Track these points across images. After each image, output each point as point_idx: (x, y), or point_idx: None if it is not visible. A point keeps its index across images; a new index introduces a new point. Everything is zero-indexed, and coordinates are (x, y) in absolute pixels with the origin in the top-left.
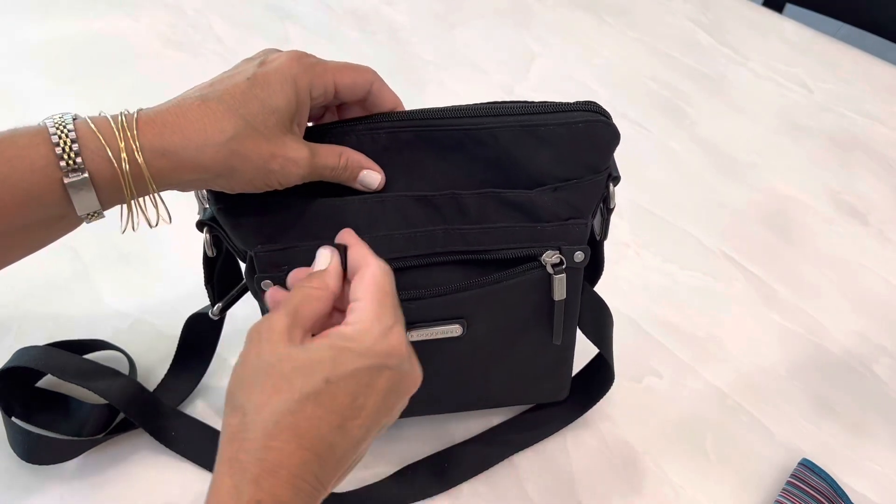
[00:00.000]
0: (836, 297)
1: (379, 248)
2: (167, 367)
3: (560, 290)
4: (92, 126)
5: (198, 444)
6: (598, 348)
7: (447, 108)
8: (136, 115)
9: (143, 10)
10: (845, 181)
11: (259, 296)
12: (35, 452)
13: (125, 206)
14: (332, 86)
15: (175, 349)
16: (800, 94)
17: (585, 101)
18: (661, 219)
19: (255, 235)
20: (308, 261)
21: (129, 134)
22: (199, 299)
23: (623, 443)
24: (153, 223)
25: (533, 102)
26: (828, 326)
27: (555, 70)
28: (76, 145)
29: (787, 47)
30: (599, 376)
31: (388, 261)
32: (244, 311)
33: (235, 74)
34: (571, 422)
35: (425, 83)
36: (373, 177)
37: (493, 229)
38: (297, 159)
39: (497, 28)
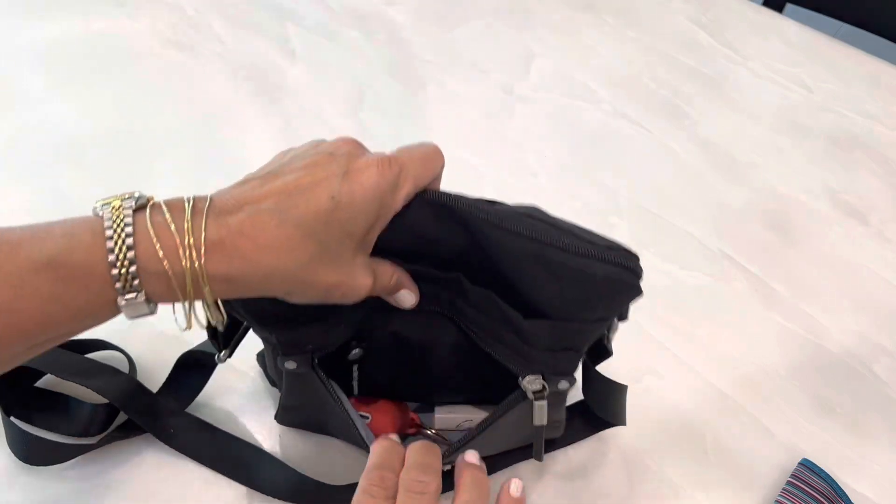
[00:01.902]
0: (836, 297)
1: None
2: (167, 366)
3: (540, 416)
4: (154, 241)
5: (198, 442)
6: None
7: (474, 201)
8: (203, 233)
9: (143, 10)
10: (845, 181)
11: (273, 362)
12: (33, 454)
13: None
14: (414, 192)
15: (177, 351)
16: (800, 94)
17: (621, 251)
18: (661, 219)
19: (275, 323)
20: (326, 340)
21: (195, 264)
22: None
23: (623, 442)
24: (210, 322)
25: (564, 230)
26: (828, 326)
27: (555, 70)
28: (134, 267)
29: (787, 47)
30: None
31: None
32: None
33: (317, 185)
34: (576, 441)
35: (425, 83)
36: (407, 298)
37: (487, 320)
38: (361, 287)
39: (497, 28)
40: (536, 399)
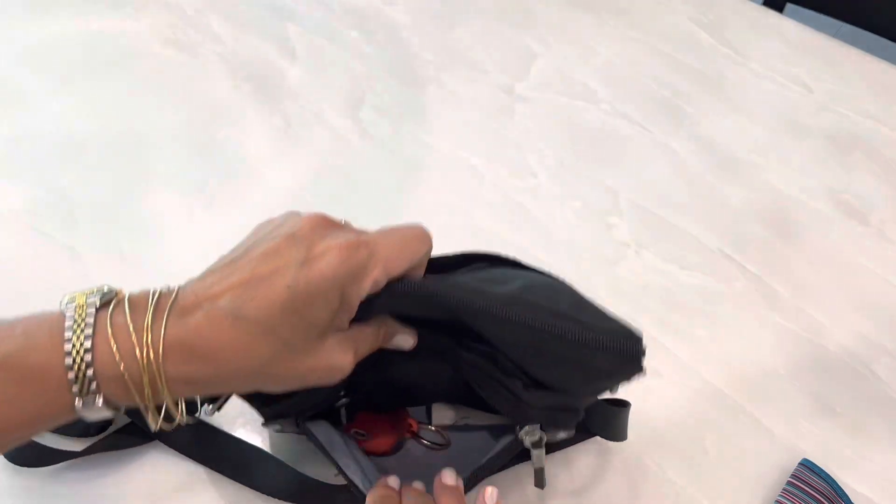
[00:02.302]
0: (836, 297)
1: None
2: None
3: (539, 460)
4: (112, 345)
5: (197, 442)
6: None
7: (469, 291)
8: (163, 333)
9: (143, 10)
10: (845, 181)
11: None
12: (25, 456)
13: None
14: (385, 279)
15: None
16: (800, 94)
17: (627, 338)
18: (661, 219)
19: (251, 399)
20: (308, 406)
21: (154, 366)
22: None
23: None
24: (173, 421)
25: (559, 314)
26: (828, 326)
27: (555, 70)
28: (91, 371)
29: (787, 47)
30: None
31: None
32: None
33: (273, 275)
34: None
35: (425, 83)
36: (404, 341)
37: (485, 377)
38: (338, 367)
39: (497, 28)
40: (534, 448)
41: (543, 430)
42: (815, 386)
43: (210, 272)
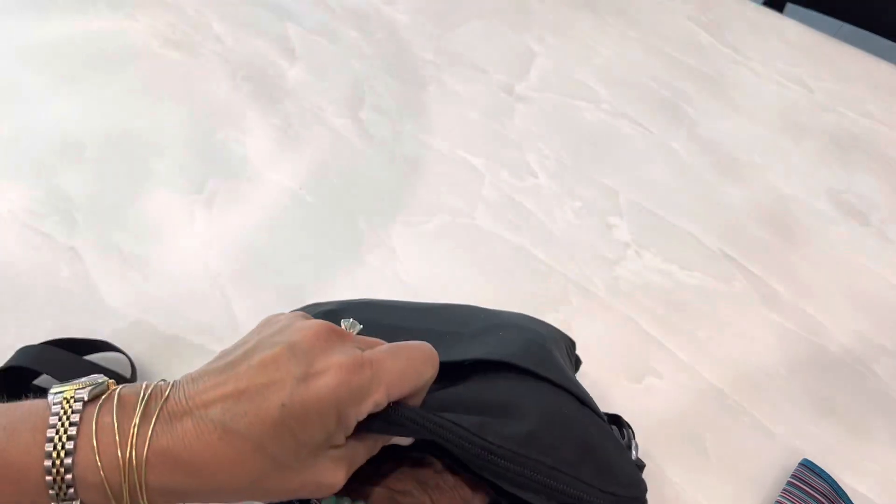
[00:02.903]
0: (836, 297)
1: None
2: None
3: None
4: (95, 450)
5: None
6: None
7: (474, 434)
8: (148, 440)
9: (142, 9)
10: (845, 181)
11: None
12: None
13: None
14: (386, 402)
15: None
16: (800, 94)
17: (626, 497)
18: (661, 219)
19: None
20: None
21: (136, 475)
22: (199, 299)
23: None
24: None
25: (565, 460)
26: (828, 326)
27: (555, 70)
28: (70, 475)
29: (788, 47)
30: None
31: None
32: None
33: (268, 388)
34: None
35: (425, 83)
36: (402, 441)
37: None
38: (331, 484)
39: (497, 28)
40: None
41: None
42: (815, 386)
43: (205, 373)
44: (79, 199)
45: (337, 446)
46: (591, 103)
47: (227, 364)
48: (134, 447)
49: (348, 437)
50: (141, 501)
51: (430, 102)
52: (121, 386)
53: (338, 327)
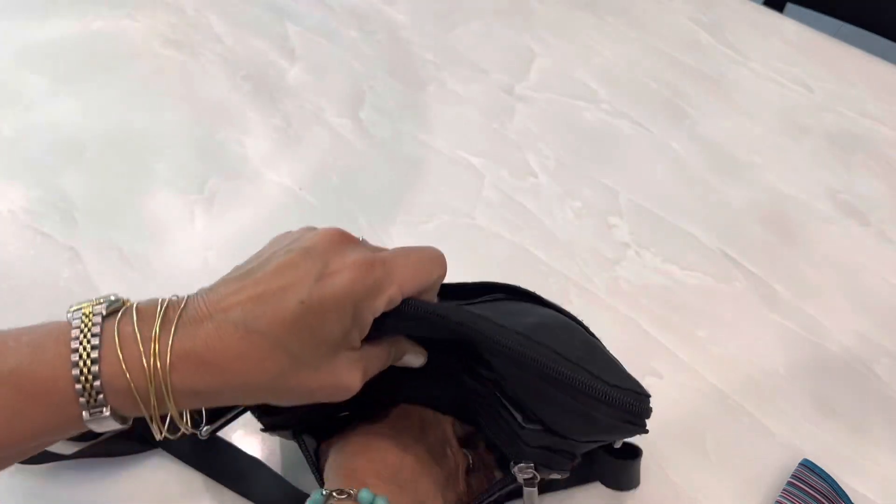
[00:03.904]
0: (836, 297)
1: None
2: None
3: (531, 499)
4: (120, 355)
5: (196, 450)
6: None
7: (478, 318)
8: (170, 345)
9: (142, 9)
10: (845, 181)
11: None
12: None
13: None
14: (399, 298)
15: None
16: (800, 94)
17: (630, 397)
18: (661, 219)
19: (254, 408)
20: (307, 418)
21: (160, 377)
22: None
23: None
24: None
25: (567, 359)
26: (828, 326)
27: (555, 70)
28: (98, 382)
29: (788, 47)
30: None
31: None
32: None
33: (287, 289)
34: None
35: (425, 83)
36: (413, 361)
37: (487, 402)
38: (346, 386)
39: (497, 28)
40: (527, 486)
41: (537, 470)
42: (815, 386)
43: (222, 283)
44: (79, 199)
45: (353, 349)
46: (591, 103)
47: (244, 273)
48: (157, 352)
49: (364, 343)
50: (168, 403)
51: (430, 102)
52: (136, 301)
53: (348, 233)
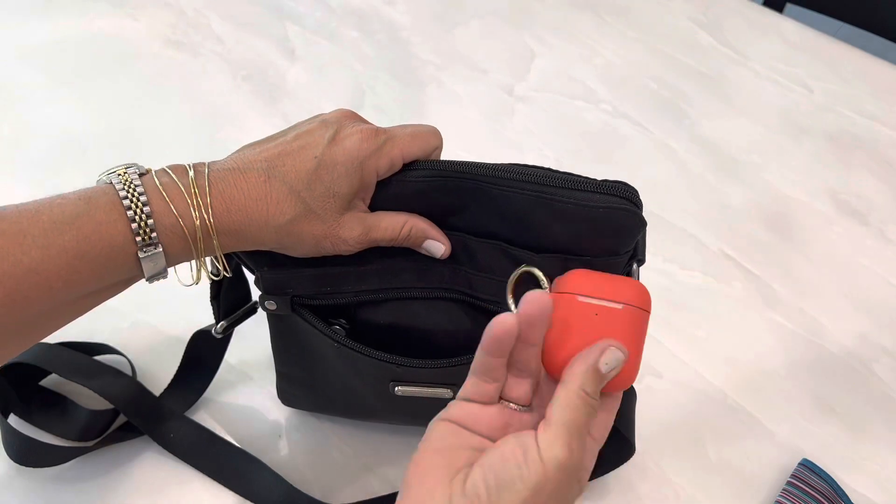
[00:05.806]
0: (836, 297)
1: (386, 281)
2: (167, 367)
3: None
4: (165, 197)
5: (196, 449)
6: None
7: (470, 163)
8: (207, 186)
9: (142, 10)
10: (845, 181)
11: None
12: (26, 455)
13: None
14: (400, 161)
15: (177, 352)
16: (800, 94)
17: (618, 183)
18: (660, 219)
19: (263, 257)
20: (308, 288)
21: (204, 214)
22: (199, 300)
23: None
24: (217, 276)
25: (560, 174)
26: (828, 326)
27: (555, 70)
28: (151, 221)
29: (788, 47)
30: (614, 448)
31: (394, 290)
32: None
33: (304, 148)
34: None
35: (425, 83)
36: (436, 246)
37: (498, 282)
38: (347, 239)
39: (497, 28)
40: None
41: None
42: (815, 386)
43: (245, 148)
44: None
45: (359, 209)
46: (591, 103)
47: (266, 139)
48: (197, 193)
49: (377, 212)
50: (213, 238)
51: (430, 102)
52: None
53: (357, 113)
